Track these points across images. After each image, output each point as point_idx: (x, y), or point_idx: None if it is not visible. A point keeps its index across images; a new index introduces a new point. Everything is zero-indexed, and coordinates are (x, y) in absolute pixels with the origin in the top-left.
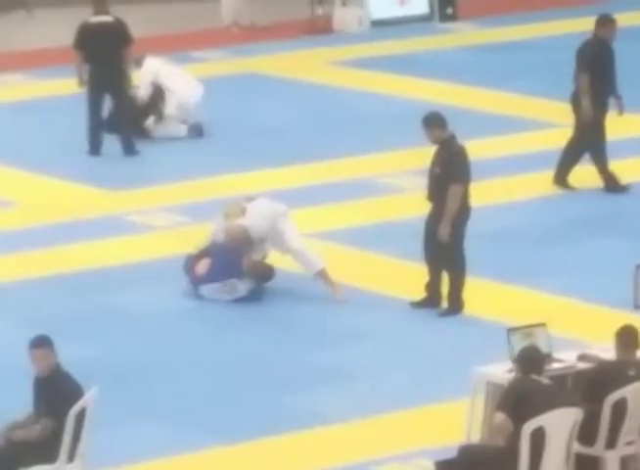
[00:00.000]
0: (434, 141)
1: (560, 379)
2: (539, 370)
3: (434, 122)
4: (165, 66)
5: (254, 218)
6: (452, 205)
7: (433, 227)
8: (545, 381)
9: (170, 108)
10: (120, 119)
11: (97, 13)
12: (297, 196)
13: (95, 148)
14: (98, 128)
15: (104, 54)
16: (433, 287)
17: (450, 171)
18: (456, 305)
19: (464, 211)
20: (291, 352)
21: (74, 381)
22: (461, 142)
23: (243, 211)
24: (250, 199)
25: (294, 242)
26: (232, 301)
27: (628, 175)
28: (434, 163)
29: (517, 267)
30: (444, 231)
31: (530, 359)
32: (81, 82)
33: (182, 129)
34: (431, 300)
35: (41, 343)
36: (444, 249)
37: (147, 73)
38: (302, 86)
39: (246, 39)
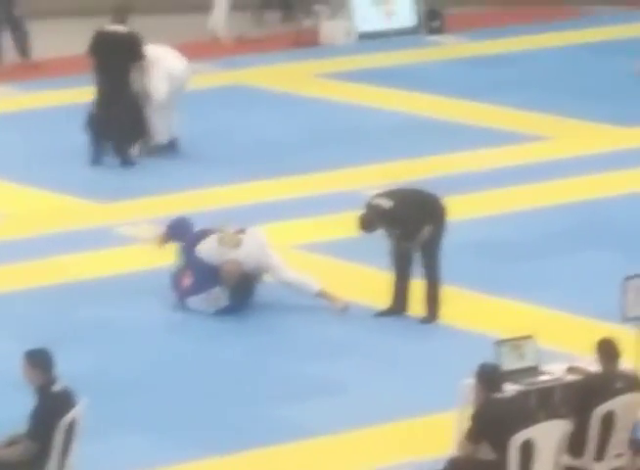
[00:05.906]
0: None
1: (548, 391)
2: (500, 388)
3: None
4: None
5: (250, 251)
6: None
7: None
8: (508, 396)
9: (157, 80)
10: (119, 131)
11: (113, 21)
12: (283, 208)
13: (96, 158)
14: (99, 138)
15: (112, 64)
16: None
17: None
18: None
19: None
20: (278, 364)
21: (59, 404)
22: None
23: (239, 244)
24: (241, 231)
25: (283, 272)
26: (219, 313)
27: (621, 186)
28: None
29: (504, 279)
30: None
31: (492, 380)
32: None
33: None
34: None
35: (27, 356)
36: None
37: None
38: (290, 99)
39: (233, 51)
